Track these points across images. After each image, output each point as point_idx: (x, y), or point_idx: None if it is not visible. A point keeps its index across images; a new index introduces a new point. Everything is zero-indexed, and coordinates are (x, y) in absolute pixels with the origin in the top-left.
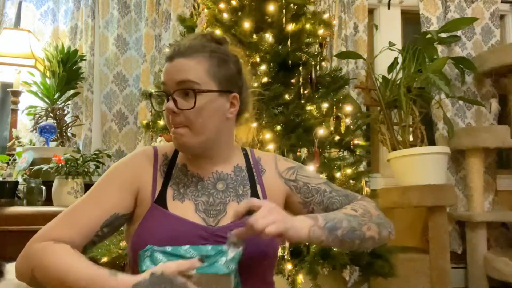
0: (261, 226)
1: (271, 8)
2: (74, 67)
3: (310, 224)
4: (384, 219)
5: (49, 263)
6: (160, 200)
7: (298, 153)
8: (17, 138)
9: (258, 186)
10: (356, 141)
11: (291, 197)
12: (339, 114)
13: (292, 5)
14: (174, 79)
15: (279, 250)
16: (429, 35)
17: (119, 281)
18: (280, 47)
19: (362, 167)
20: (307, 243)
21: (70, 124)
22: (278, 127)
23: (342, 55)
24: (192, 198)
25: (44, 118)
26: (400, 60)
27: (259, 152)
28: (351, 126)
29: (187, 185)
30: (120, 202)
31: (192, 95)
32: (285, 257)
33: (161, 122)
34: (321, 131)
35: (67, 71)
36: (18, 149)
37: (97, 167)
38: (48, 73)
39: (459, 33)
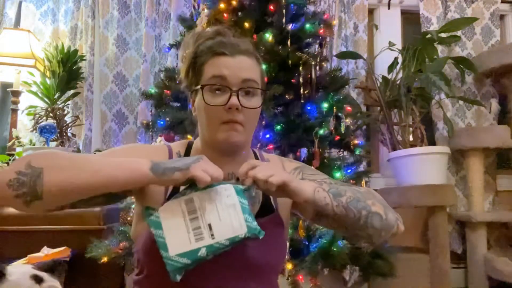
0: (263, 177)
1: (271, 8)
2: (74, 67)
3: (315, 185)
4: (389, 206)
5: (64, 160)
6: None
7: (298, 153)
8: (17, 138)
9: None
10: (356, 141)
11: None
12: (339, 114)
13: (292, 5)
14: (239, 76)
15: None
16: (429, 35)
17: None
18: (280, 47)
19: (362, 167)
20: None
21: (70, 124)
22: (278, 127)
23: (342, 55)
24: None
25: (44, 118)
26: (400, 60)
27: (265, 154)
28: (351, 126)
29: None
30: None
31: (253, 95)
32: (285, 257)
33: (161, 122)
34: (321, 131)
35: (67, 71)
36: (18, 149)
37: None
38: (48, 73)
39: (459, 33)
